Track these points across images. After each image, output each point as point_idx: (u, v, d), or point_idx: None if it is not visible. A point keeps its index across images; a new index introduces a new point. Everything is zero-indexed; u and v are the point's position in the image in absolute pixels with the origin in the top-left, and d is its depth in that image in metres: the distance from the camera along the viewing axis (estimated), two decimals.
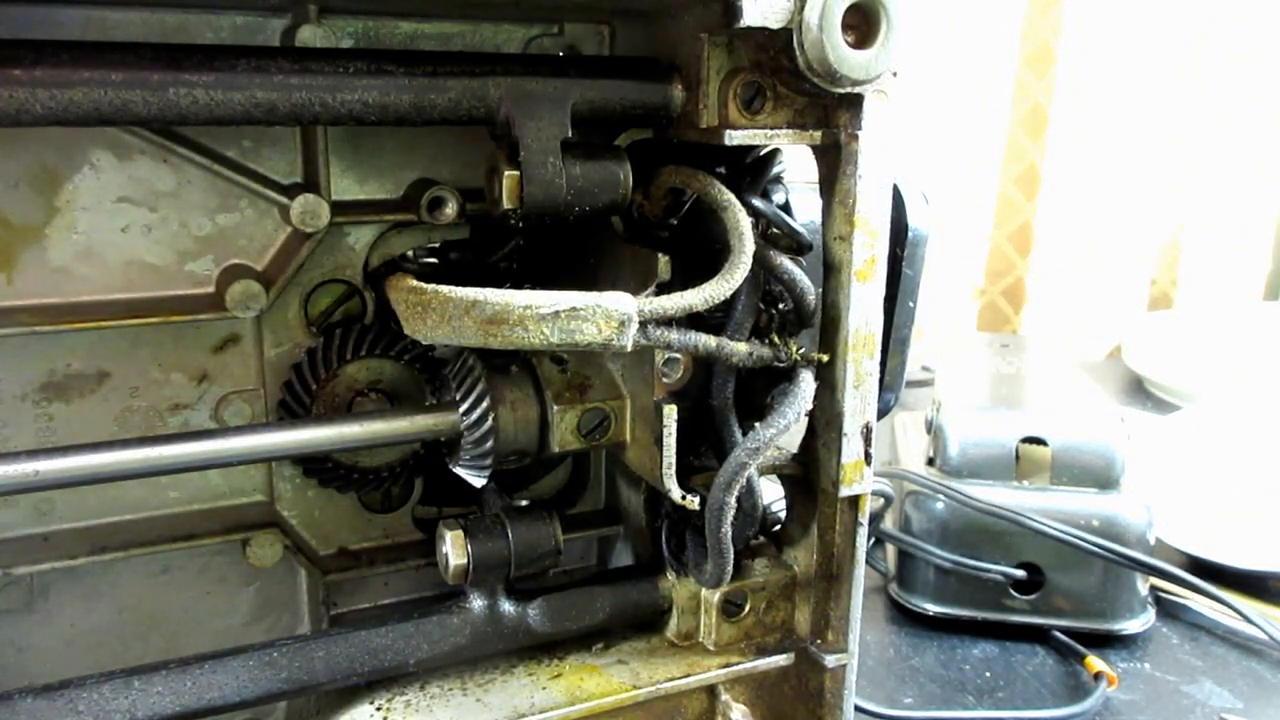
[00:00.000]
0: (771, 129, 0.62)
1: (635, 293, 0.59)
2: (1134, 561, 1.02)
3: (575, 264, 0.74)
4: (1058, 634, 1.05)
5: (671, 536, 0.73)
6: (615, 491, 0.86)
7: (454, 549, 0.66)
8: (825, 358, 0.65)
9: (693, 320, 0.62)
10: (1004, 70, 2.05)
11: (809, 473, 0.70)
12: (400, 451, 0.77)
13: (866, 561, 0.71)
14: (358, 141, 0.71)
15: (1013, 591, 1.05)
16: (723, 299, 0.60)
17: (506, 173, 0.60)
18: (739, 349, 0.63)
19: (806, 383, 0.64)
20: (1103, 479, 1.08)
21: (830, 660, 0.70)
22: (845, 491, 0.67)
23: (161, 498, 0.73)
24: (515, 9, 0.73)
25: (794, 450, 0.71)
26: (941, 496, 1.07)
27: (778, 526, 0.75)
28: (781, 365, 0.65)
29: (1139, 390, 1.96)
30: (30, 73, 0.51)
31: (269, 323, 0.72)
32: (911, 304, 0.73)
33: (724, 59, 0.61)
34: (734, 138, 0.61)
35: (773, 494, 0.74)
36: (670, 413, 0.63)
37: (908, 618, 1.09)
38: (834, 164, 0.63)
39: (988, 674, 1.01)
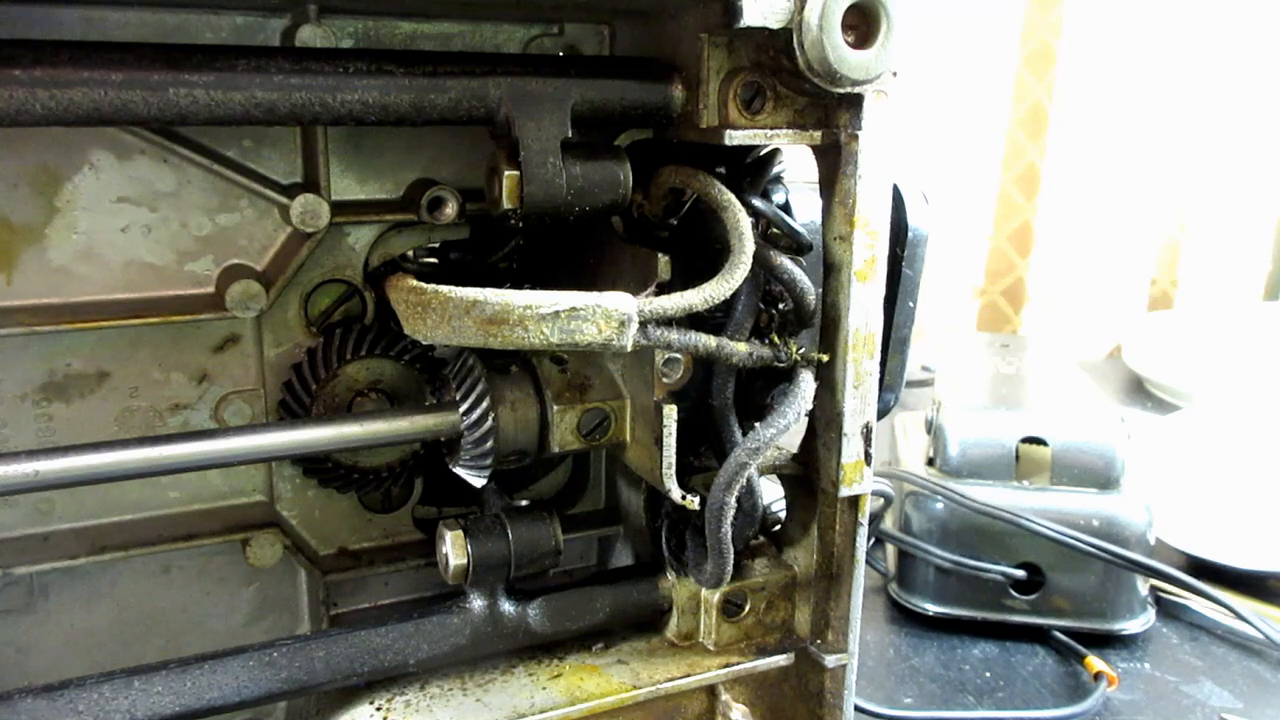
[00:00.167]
0: (771, 129, 0.62)
1: (635, 293, 0.59)
2: (1132, 562, 1.02)
3: (575, 264, 0.74)
4: (1058, 634, 1.05)
5: (671, 536, 0.73)
6: (615, 491, 0.86)
7: (454, 549, 0.66)
8: (825, 358, 0.65)
9: (693, 320, 0.62)
10: (1004, 70, 2.05)
11: (809, 473, 0.70)
12: (400, 451, 0.77)
13: (866, 561, 0.71)
14: (358, 141, 0.71)
15: (1013, 591, 1.05)
16: (723, 299, 0.60)
17: (506, 173, 0.60)
18: (739, 349, 0.63)
19: (806, 383, 0.64)
20: (1103, 479, 1.08)
21: (830, 660, 0.70)
22: (845, 491, 0.67)
23: (161, 498, 0.73)
24: (515, 9, 0.73)
25: (794, 450, 0.71)
26: (941, 497, 1.07)
27: (778, 526, 0.75)
28: (781, 365, 0.65)
29: (1139, 390, 1.96)
30: (30, 73, 0.51)
31: (269, 323, 0.72)
32: (911, 304, 0.73)
33: (724, 59, 0.61)
34: (734, 138, 0.61)
35: (773, 494, 0.74)
36: (670, 413, 0.63)
37: (908, 618, 1.09)
38: (834, 164, 0.63)
39: (988, 674, 1.01)
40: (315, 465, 0.75)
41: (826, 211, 0.65)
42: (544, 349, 0.61)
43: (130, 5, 0.64)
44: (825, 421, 0.67)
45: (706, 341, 0.61)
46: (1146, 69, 2.07)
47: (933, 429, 1.16)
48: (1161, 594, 1.14)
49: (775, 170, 0.68)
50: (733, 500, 0.62)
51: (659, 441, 0.64)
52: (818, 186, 0.66)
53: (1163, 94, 2.10)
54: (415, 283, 0.61)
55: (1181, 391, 1.84)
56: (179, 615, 0.75)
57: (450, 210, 0.71)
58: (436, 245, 0.75)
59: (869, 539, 0.73)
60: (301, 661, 0.64)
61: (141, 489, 0.72)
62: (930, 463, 1.15)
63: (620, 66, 0.67)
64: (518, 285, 0.75)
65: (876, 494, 1.08)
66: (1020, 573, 1.05)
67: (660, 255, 0.63)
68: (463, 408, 0.68)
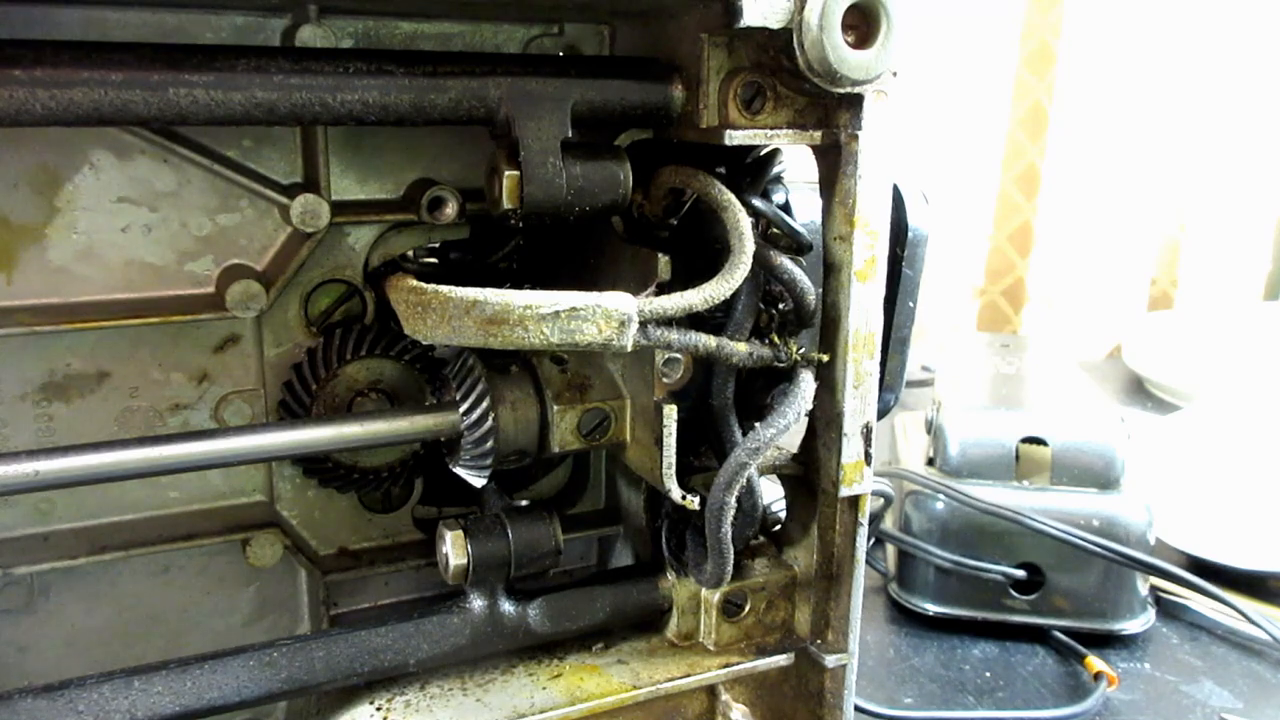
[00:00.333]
0: (771, 129, 0.62)
1: (635, 293, 0.59)
2: (1133, 561, 1.02)
3: (575, 264, 0.74)
4: (1058, 634, 1.05)
5: (671, 536, 0.73)
6: (615, 491, 0.86)
7: (454, 549, 0.66)
8: (825, 358, 0.65)
9: (693, 320, 0.62)
10: (1004, 70, 2.05)
11: (809, 473, 0.70)
12: (400, 451, 0.77)
13: (866, 561, 0.71)
14: (358, 141, 0.71)
15: (1013, 591, 1.05)
16: (723, 299, 0.60)
17: (506, 173, 0.60)
18: (739, 349, 0.63)
19: (806, 383, 0.64)
20: (1103, 479, 1.08)
21: (830, 660, 0.70)
22: (845, 491, 0.67)
23: (161, 498, 0.73)
24: (515, 9, 0.73)
25: (794, 450, 0.71)
26: (941, 496, 1.07)
27: (778, 526, 0.75)
28: (781, 365, 0.65)
29: (1139, 390, 1.96)
30: (30, 73, 0.51)
31: (269, 323, 0.72)
32: (911, 304, 0.73)
33: (724, 59, 0.61)
34: (734, 138, 0.61)
35: (773, 494, 0.74)
36: (670, 413, 0.63)
37: (908, 618, 1.09)
38: (834, 164, 0.63)
39: (988, 674, 1.01)
40: (315, 465, 0.75)
41: (826, 211, 0.65)
42: (544, 349, 0.61)
43: (130, 5, 0.64)
44: (825, 421, 0.67)
45: (706, 341, 0.61)
46: (1146, 69, 2.07)
47: (933, 429, 1.16)
48: (1161, 594, 1.14)
49: (775, 170, 0.68)
50: (733, 500, 0.62)
51: (659, 441, 0.64)
52: (818, 186, 0.66)
53: (1162, 94, 2.10)
54: (415, 283, 0.61)
55: (1181, 391, 1.84)
56: (179, 615, 0.75)
57: (450, 210, 0.71)
58: (436, 245, 0.75)
59: (869, 539, 0.73)
60: (301, 661, 0.64)
61: (141, 489, 0.72)
62: (930, 463, 1.15)
63: (620, 66, 0.67)
64: (518, 285, 0.75)
65: (876, 494, 1.08)
66: (1020, 573, 1.05)
67: (660, 255, 0.63)
68: (463, 408, 0.68)
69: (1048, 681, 1.00)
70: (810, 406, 0.64)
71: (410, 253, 0.75)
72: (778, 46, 0.59)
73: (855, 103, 0.61)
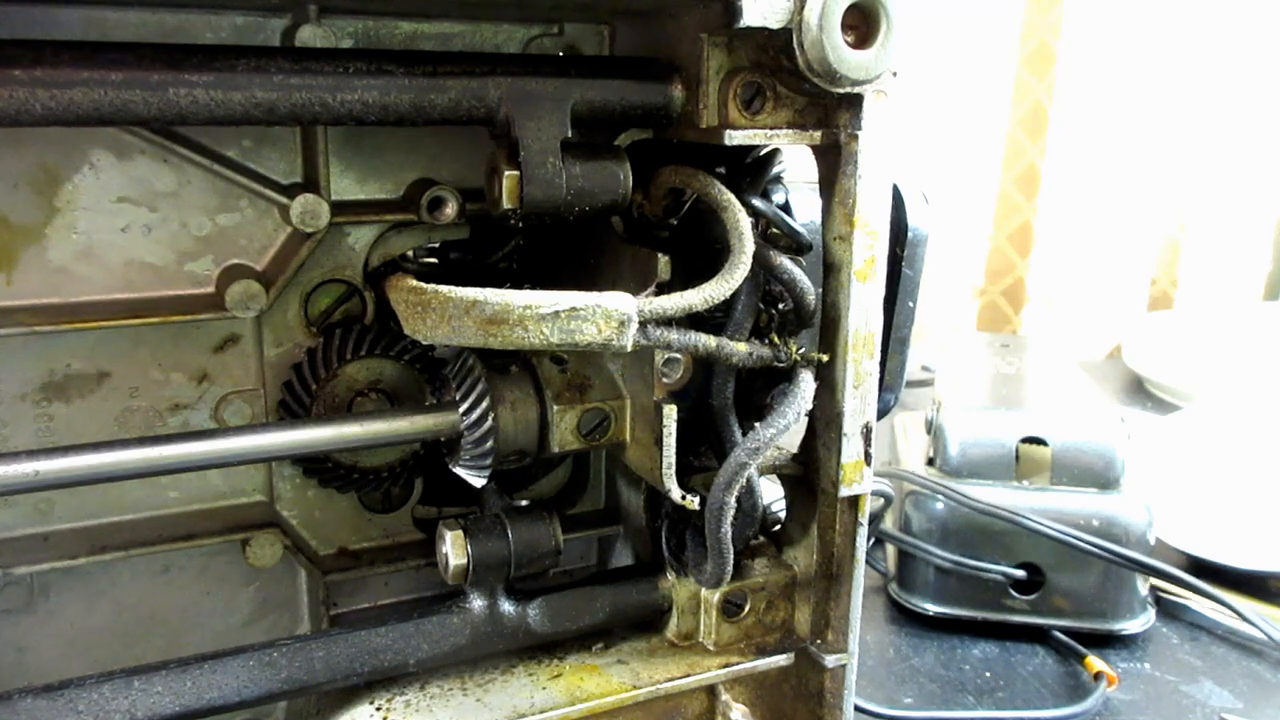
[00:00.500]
0: (771, 129, 0.62)
1: (635, 293, 0.59)
2: (1132, 562, 1.02)
3: (575, 264, 0.74)
4: (1058, 634, 1.05)
5: (671, 536, 0.73)
6: (615, 491, 0.86)
7: (454, 549, 0.66)
8: (825, 358, 0.65)
9: (693, 320, 0.62)
10: (1004, 70, 2.05)
11: (809, 473, 0.70)
12: (400, 451, 0.77)
13: (866, 561, 0.71)
14: (358, 141, 0.71)
15: (1013, 591, 1.05)
16: (723, 299, 0.60)
17: (506, 173, 0.60)
18: (739, 349, 0.63)
19: (806, 383, 0.64)
20: (1103, 479, 1.08)
21: (830, 660, 0.70)
22: (845, 491, 0.67)
23: (161, 498, 0.73)
24: (515, 9, 0.73)
25: (794, 450, 0.71)
26: (941, 496, 1.07)
27: (778, 526, 0.75)
28: (781, 365, 0.65)
29: (1139, 390, 1.96)
30: (30, 73, 0.51)
31: (269, 323, 0.72)
32: (911, 304, 0.73)
33: (724, 59, 0.61)
34: (734, 138, 0.61)
35: (773, 494, 0.74)
36: (670, 413, 0.63)
37: (908, 618, 1.09)
38: (834, 164, 0.63)
39: (988, 674, 1.01)
40: (315, 465, 0.75)
41: (826, 211, 0.65)
42: (544, 349, 0.61)
43: (130, 5, 0.64)
44: (825, 421, 0.67)
45: (706, 341, 0.61)
46: (1146, 69, 2.07)
47: (933, 429, 1.16)
48: (1161, 594, 1.14)
49: (775, 170, 0.68)
50: (733, 500, 0.62)
51: (659, 441, 0.64)
52: (818, 186, 0.66)
53: (1162, 94, 2.10)
54: (415, 283, 0.61)
55: (1181, 391, 1.84)
56: (179, 615, 0.75)
57: (450, 210, 0.71)
58: (436, 245, 0.75)
59: (869, 539, 0.73)
60: (301, 661, 0.64)
61: (141, 489, 0.72)
62: (930, 463, 1.15)
63: (620, 66, 0.67)
64: (518, 285, 0.75)
65: (876, 494, 1.08)
66: (1020, 573, 1.05)
67: (660, 255, 0.63)
68: (463, 408, 0.68)
69: (1048, 681, 1.00)
70: (810, 406, 0.64)
71: (410, 253, 0.75)
72: (778, 46, 0.59)
73: (855, 103, 0.61)
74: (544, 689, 0.68)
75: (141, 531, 0.72)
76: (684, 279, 0.61)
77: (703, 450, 0.72)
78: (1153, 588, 1.12)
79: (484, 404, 0.67)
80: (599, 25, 0.76)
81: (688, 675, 0.70)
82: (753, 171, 0.67)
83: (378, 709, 0.66)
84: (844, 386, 0.65)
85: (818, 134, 0.63)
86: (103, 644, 0.73)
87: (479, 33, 0.73)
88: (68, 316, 0.65)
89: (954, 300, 2.16)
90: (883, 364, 0.67)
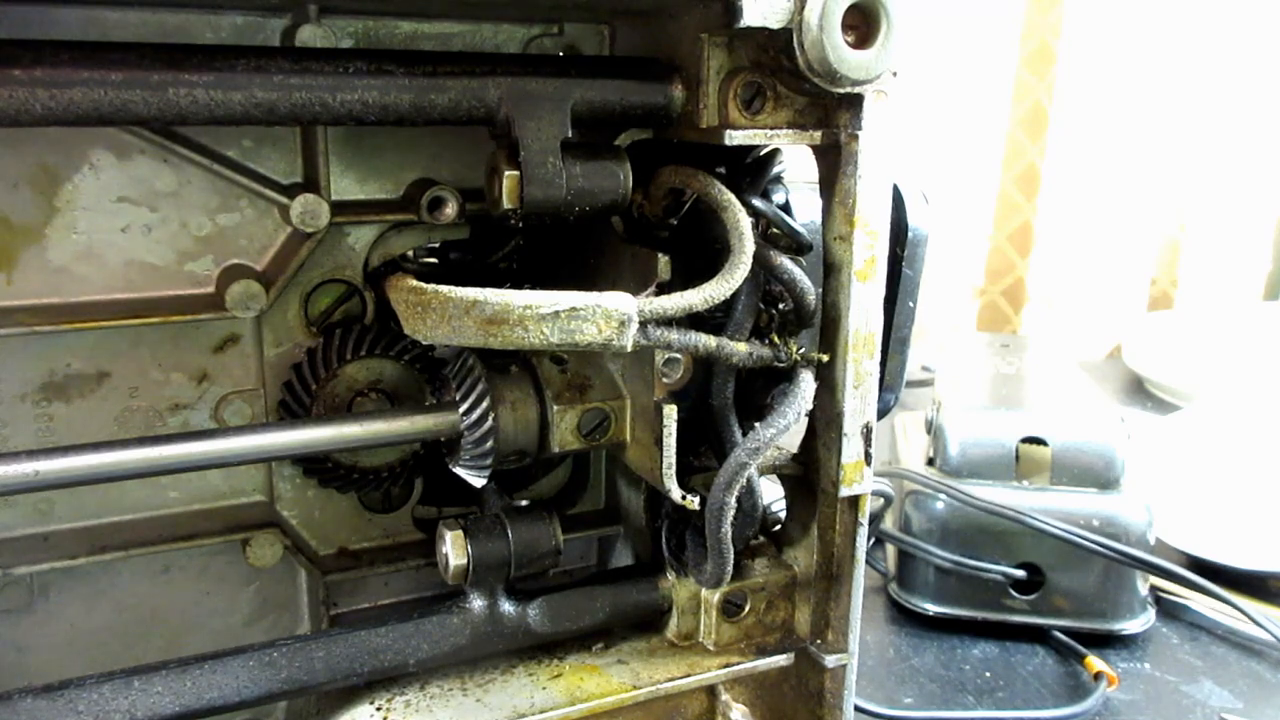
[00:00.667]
0: (771, 129, 0.62)
1: (635, 293, 0.59)
2: (1134, 559, 1.02)
3: (575, 264, 0.74)
4: (1058, 634, 1.05)
5: (671, 536, 0.73)
6: (615, 491, 0.86)
7: (454, 549, 0.66)
8: (825, 358, 0.65)
9: (693, 320, 0.62)
10: (1004, 70, 2.05)
11: (809, 473, 0.70)
12: (400, 451, 0.77)
13: (866, 561, 0.71)
14: (358, 141, 0.71)
15: (1013, 591, 1.05)
16: (723, 299, 0.60)
17: (506, 173, 0.60)
18: (739, 349, 0.63)
19: (806, 383, 0.64)
20: (1103, 479, 1.08)
21: (830, 660, 0.70)
22: (845, 491, 0.67)
23: (161, 498, 0.73)
24: (515, 9, 0.73)
25: (794, 450, 0.71)
26: (941, 496, 1.07)
27: (778, 526, 0.75)
28: (781, 365, 0.65)
29: (1139, 390, 1.96)
30: (30, 73, 0.51)
31: (269, 323, 0.72)
32: (911, 304, 0.73)
33: (724, 59, 0.61)
34: (734, 138, 0.61)
35: (773, 494, 0.74)
36: (670, 413, 0.63)
37: (908, 618, 1.09)
38: (834, 164, 0.63)
39: (988, 674, 1.01)
40: (315, 465, 0.75)
41: (826, 211, 0.65)
42: (544, 349, 0.61)
43: (130, 5, 0.64)
44: (825, 421, 0.67)
45: (706, 341, 0.61)
46: (1146, 69, 2.07)
47: (933, 429, 1.16)
48: (1161, 594, 1.14)
49: (775, 170, 0.68)
50: (733, 500, 0.62)
51: (659, 441, 0.64)
52: (818, 186, 0.66)
53: (1162, 94, 2.10)
54: (415, 283, 0.61)
55: (1181, 391, 1.84)
56: (179, 615, 0.75)
57: (450, 210, 0.71)
58: (436, 245, 0.75)
59: (869, 539, 0.73)
60: (301, 661, 0.64)
61: (141, 489, 0.72)
62: (930, 463, 1.15)
63: (620, 66, 0.67)
64: (518, 285, 0.75)
65: (876, 494, 1.08)
66: (1020, 573, 1.05)
67: (660, 255, 0.62)
68: (463, 408, 0.68)
69: (1048, 681, 1.00)
70: (810, 406, 0.64)
71: (410, 253, 0.75)
72: (778, 46, 0.59)
73: (855, 103, 0.61)
74: (544, 689, 0.68)
75: (141, 531, 0.72)
76: (684, 279, 0.61)
77: (703, 450, 0.72)
78: (1153, 588, 1.12)
79: (484, 404, 0.67)
80: (599, 25, 0.76)
81: (688, 675, 0.70)
82: (753, 171, 0.67)
83: (378, 709, 0.66)
84: (844, 386, 0.65)
85: (818, 134, 0.63)
86: (103, 644, 0.73)
87: (479, 33, 0.73)
88: (68, 316, 0.65)
89: (954, 300, 2.16)
90: (883, 364, 0.67)
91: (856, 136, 0.61)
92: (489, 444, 0.68)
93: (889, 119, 0.61)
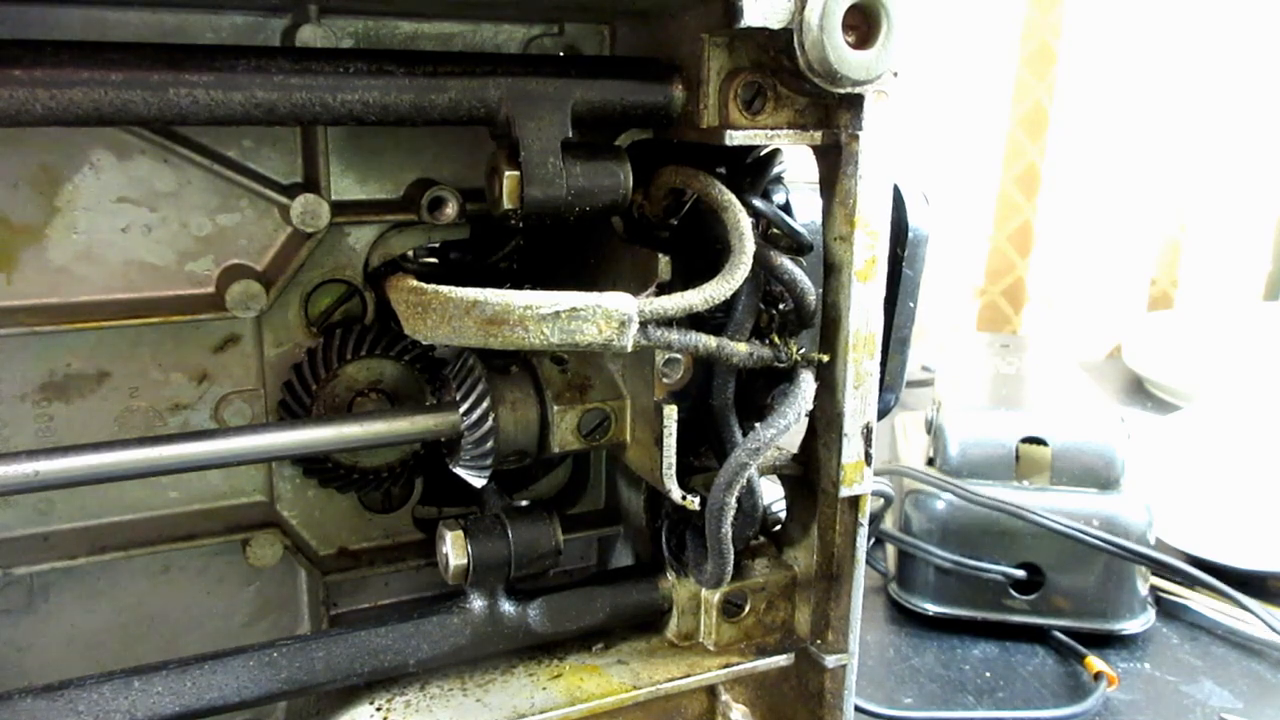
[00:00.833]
0: (772, 129, 0.62)
1: (635, 293, 0.59)
2: (1135, 555, 1.02)
3: (575, 264, 0.74)
4: (1058, 634, 1.05)
5: (671, 536, 0.73)
6: (615, 491, 0.86)
7: (454, 549, 0.66)
8: (825, 358, 0.65)
9: (693, 320, 0.62)
10: (1004, 70, 2.05)
11: (809, 473, 0.70)
12: (400, 451, 0.77)
13: (866, 561, 0.71)
14: (358, 141, 0.71)
15: (1013, 591, 1.05)
16: (723, 299, 0.60)
17: (507, 173, 0.60)
18: (739, 349, 0.63)
19: (807, 383, 0.64)
20: (1103, 479, 1.08)
21: (830, 660, 0.70)
22: (845, 492, 0.67)
23: (161, 498, 0.73)
24: (515, 9, 0.73)
25: (794, 450, 0.71)
26: (942, 496, 1.07)
27: (778, 526, 0.75)
28: (782, 365, 0.64)
29: (1139, 390, 1.96)
30: (30, 73, 0.51)
31: (269, 323, 0.72)
32: (912, 304, 0.73)
33: (724, 59, 0.61)
34: (734, 138, 0.61)
35: (773, 494, 0.74)
36: (670, 413, 0.63)
37: (908, 618, 1.09)
38: (834, 164, 0.63)
39: (988, 674, 1.01)
40: (315, 465, 0.75)
41: (827, 212, 0.65)
42: (544, 349, 0.61)
43: (130, 5, 0.64)
44: (825, 422, 0.67)
45: (707, 342, 0.61)
46: (1146, 69, 2.07)
47: (933, 429, 1.16)
48: (1161, 594, 1.14)
49: (775, 170, 0.68)
50: (733, 500, 0.62)
51: (659, 441, 0.64)
52: (818, 186, 0.66)
53: (1162, 94, 2.10)
54: (415, 283, 0.61)
55: (1181, 391, 1.84)
56: (179, 615, 0.75)
57: (450, 210, 0.71)
58: (436, 245, 0.75)
59: (869, 539, 0.73)
60: (301, 661, 0.64)
61: (141, 489, 0.72)
62: (930, 463, 1.15)
63: (620, 66, 0.67)
64: (518, 285, 0.75)
65: (876, 494, 1.08)
66: (1020, 572, 1.05)
67: (660, 255, 0.63)
68: (463, 408, 0.68)
69: (1048, 681, 1.00)
70: (810, 407, 0.64)
71: (410, 253, 0.75)
72: (778, 47, 0.59)
73: (855, 103, 0.61)
74: (544, 689, 0.68)
75: (141, 531, 0.72)
76: (684, 279, 0.61)
77: (703, 450, 0.72)
78: (1153, 588, 1.12)
79: (484, 404, 0.67)
80: (599, 25, 0.76)
81: (688, 675, 0.70)
82: (753, 172, 0.67)
83: (378, 709, 0.66)
84: (844, 387, 0.65)
85: (818, 134, 0.63)
86: (103, 644, 0.73)
87: (479, 33, 0.73)
88: (68, 316, 0.65)
89: (954, 300, 2.16)
90: (883, 364, 0.67)
91: (857, 137, 0.61)
92: (489, 444, 0.68)
93: (889, 119, 0.61)
